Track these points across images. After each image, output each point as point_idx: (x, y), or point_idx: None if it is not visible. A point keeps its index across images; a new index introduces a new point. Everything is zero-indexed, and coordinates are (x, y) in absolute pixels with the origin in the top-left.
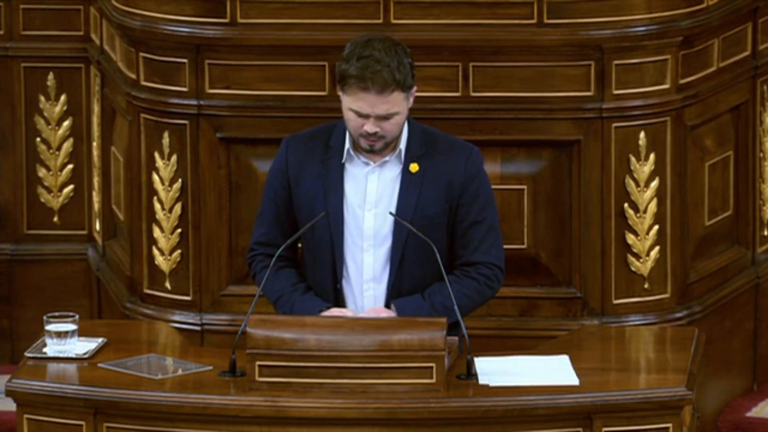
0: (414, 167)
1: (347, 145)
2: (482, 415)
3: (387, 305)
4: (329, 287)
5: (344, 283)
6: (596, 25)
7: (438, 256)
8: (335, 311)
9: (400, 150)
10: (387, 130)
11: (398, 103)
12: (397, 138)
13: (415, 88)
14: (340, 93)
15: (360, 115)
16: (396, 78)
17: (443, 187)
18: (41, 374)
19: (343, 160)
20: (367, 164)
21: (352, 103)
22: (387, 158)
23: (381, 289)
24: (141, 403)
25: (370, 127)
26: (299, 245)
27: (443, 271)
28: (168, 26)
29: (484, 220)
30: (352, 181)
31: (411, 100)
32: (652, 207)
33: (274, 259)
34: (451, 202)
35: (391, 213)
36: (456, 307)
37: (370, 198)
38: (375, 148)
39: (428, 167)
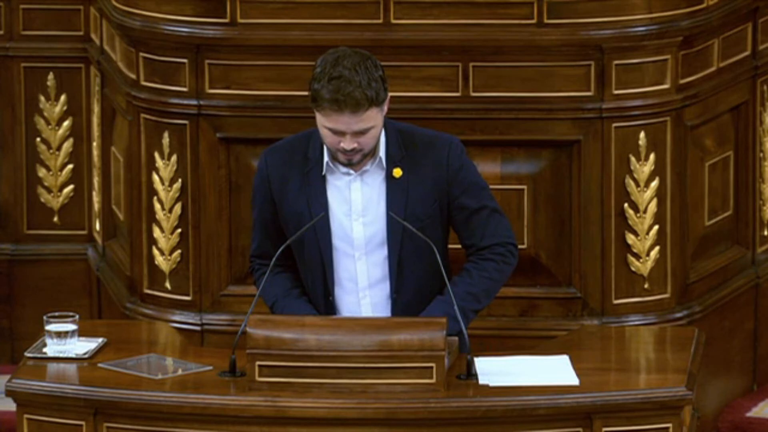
0: (397, 172)
1: (326, 157)
2: (482, 415)
3: (393, 311)
4: (320, 299)
5: (339, 292)
6: (596, 25)
7: (438, 256)
8: None
9: (380, 157)
10: (364, 144)
11: (373, 119)
12: (375, 146)
13: (388, 97)
14: (313, 109)
15: (336, 132)
16: (368, 96)
17: (429, 187)
18: (41, 374)
19: (324, 172)
20: (348, 174)
21: (326, 122)
22: (367, 167)
23: (381, 295)
24: (141, 403)
25: (347, 143)
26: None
27: (444, 271)
28: (168, 26)
29: (482, 207)
30: (335, 192)
31: (385, 108)
32: (652, 207)
33: (270, 265)
34: (440, 200)
35: (390, 213)
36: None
37: (356, 207)
38: (353, 161)
39: (411, 169)
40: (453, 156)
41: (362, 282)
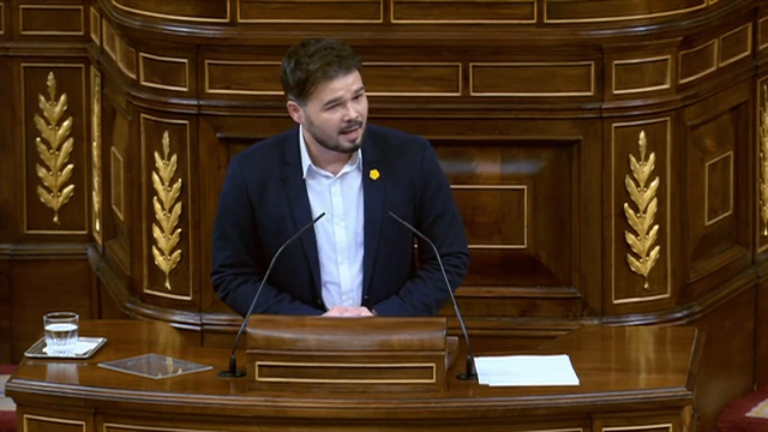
0: (374, 174)
1: (308, 161)
2: (482, 415)
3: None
4: (309, 303)
5: (324, 295)
6: (596, 25)
7: (437, 256)
8: (335, 311)
9: (359, 159)
10: (362, 113)
11: (361, 80)
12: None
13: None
14: (302, 106)
15: (337, 105)
16: (353, 57)
17: (405, 189)
18: (41, 374)
19: (305, 176)
20: (327, 177)
21: (325, 97)
22: (347, 170)
23: (359, 297)
24: (141, 403)
25: (351, 111)
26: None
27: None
28: (168, 26)
29: (446, 211)
30: (316, 196)
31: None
32: (652, 207)
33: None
34: (414, 202)
35: (391, 213)
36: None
37: (338, 211)
38: (357, 141)
39: (387, 171)
40: (427, 158)
41: (345, 285)
